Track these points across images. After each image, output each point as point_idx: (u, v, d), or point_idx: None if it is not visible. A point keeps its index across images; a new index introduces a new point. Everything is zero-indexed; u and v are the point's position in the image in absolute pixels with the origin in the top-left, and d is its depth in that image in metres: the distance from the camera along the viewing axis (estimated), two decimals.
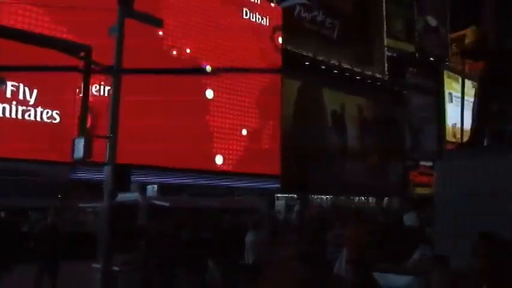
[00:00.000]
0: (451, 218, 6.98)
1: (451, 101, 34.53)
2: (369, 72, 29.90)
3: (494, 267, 3.90)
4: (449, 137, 33.01)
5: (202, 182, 20.83)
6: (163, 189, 19.81)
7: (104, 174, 9.47)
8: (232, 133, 21.66)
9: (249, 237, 10.61)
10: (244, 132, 22.01)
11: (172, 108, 19.57)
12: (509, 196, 6.45)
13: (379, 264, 7.63)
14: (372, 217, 15.97)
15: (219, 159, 21.26)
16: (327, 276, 5.94)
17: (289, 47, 25.05)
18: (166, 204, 14.54)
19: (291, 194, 25.74)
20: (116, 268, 9.64)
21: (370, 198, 29.77)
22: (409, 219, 12.01)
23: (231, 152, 21.60)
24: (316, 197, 27.28)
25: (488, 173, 6.76)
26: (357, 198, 29.07)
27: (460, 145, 8.37)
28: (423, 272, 5.83)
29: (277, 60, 23.83)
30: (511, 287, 3.73)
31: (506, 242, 4.19)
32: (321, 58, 27.06)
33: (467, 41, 11.33)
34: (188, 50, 20.61)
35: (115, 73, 9.91)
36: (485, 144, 7.85)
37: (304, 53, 26.28)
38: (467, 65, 14.78)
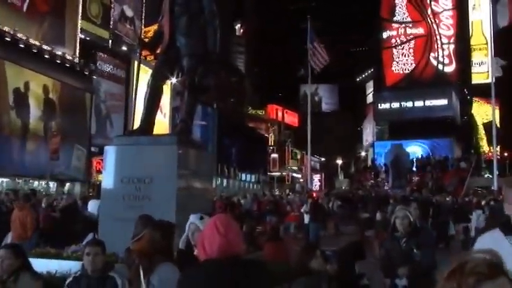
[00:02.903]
0: (113, 202, 7.19)
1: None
2: (59, 53, 28.80)
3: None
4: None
5: None
6: None
7: None
8: None
9: None
10: None
11: None
12: (160, 182, 6.94)
13: (41, 250, 7.46)
14: (47, 201, 15.35)
15: None
16: None
17: None
18: None
19: None
20: None
21: (51, 183, 28.76)
22: (92, 206, 11.85)
23: None
24: None
25: (143, 159, 7.15)
26: (37, 182, 27.80)
27: (129, 132, 8.73)
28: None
29: None
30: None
31: (161, 223, 4.57)
32: (6, 29, 25.03)
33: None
34: None
35: None
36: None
37: None
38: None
